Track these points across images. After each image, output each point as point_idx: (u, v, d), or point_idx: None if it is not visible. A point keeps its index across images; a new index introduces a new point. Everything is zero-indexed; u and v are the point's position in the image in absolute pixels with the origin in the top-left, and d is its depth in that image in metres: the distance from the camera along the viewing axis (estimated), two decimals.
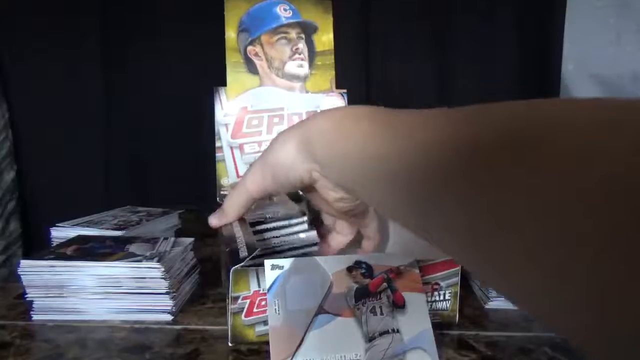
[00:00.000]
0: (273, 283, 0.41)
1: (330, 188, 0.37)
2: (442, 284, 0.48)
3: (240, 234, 0.45)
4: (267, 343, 0.40)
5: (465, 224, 0.20)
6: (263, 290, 0.43)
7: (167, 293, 0.49)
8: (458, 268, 0.48)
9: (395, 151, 0.25)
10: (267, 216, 0.47)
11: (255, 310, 0.43)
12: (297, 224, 0.45)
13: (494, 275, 0.19)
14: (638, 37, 1.07)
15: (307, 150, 0.35)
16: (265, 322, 0.44)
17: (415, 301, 0.43)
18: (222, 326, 0.47)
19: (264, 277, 0.42)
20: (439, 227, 0.22)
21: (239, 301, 0.43)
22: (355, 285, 0.42)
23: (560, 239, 0.15)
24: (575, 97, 1.23)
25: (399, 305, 0.42)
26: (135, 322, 0.49)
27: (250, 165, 0.42)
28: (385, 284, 0.43)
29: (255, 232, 0.46)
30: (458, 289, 0.49)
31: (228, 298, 0.43)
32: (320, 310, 0.41)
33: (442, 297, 0.48)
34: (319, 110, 0.71)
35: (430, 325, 0.42)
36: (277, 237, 0.45)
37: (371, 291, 0.42)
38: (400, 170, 0.25)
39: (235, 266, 0.40)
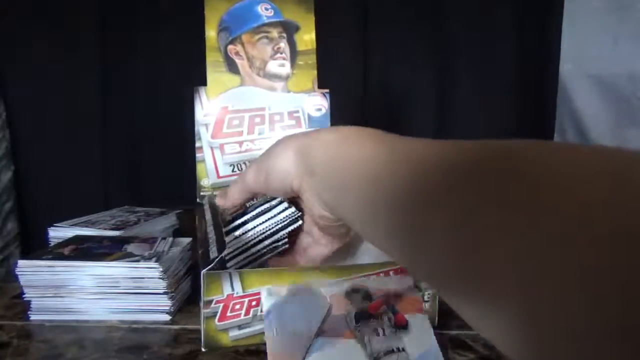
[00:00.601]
0: (270, 308, 0.41)
1: (313, 203, 0.37)
2: (421, 285, 0.48)
3: (212, 235, 0.45)
4: (261, 344, 0.40)
5: (451, 251, 0.19)
6: (237, 294, 0.42)
7: (165, 293, 0.49)
8: None
9: (393, 173, 0.25)
10: (248, 205, 0.47)
11: (228, 314, 0.43)
12: (277, 204, 0.45)
13: (481, 312, 0.19)
14: (635, 38, 1.07)
15: (303, 160, 0.35)
16: (239, 327, 0.43)
17: (418, 321, 0.42)
18: None
19: (238, 280, 0.42)
20: (426, 253, 0.22)
21: (212, 305, 0.42)
22: (354, 309, 0.42)
23: (561, 272, 0.15)
24: (574, 97, 1.23)
25: (401, 325, 0.42)
26: (133, 322, 0.49)
27: (251, 162, 0.43)
28: (385, 306, 0.42)
29: (239, 226, 0.46)
30: None
31: (201, 302, 0.42)
32: (320, 333, 0.40)
33: (422, 299, 0.48)
34: (300, 110, 0.71)
35: (436, 343, 0.41)
36: (262, 223, 0.45)
37: (371, 313, 0.42)
38: (394, 192, 0.24)
39: (206, 269, 0.40)
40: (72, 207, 0.81)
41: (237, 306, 0.43)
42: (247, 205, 0.47)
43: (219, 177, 0.67)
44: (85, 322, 0.48)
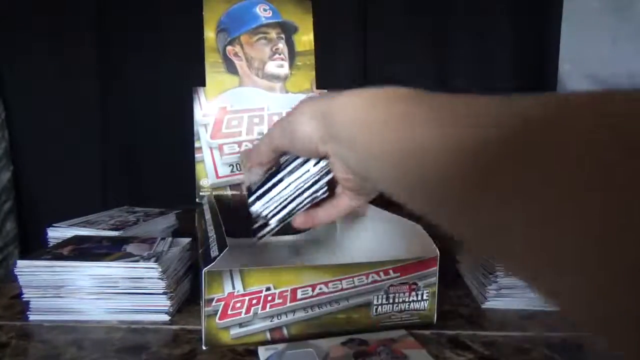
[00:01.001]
0: (267, 358, 0.41)
1: (339, 167, 0.36)
2: (420, 283, 0.48)
3: (213, 234, 0.45)
4: (255, 343, 0.40)
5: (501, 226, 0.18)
6: (237, 292, 0.42)
7: (164, 293, 0.49)
8: (435, 268, 0.48)
9: (437, 141, 0.22)
10: (281, 162, 0.47)
11: (229, 312, 0.43)
12: (308, 159, 0.45)
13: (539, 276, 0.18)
14: (633, 38, 1.07)
15: (326, 125, 0.34)
16: (240, 325, 0.43)
17: (417, 355, 0.43)
18: None
19: (239, 278, 0.42)
20: (477, 224, 0.20)
21: (213, 303, 0.42)
22: (352, 352, 0.43)
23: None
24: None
25: (401, 356, 0.42)
26: (132, 322, 0.49)
27: (276, 121, 0.42)
28: (382, 347, 0.43)
29: (276, 183, 0.45)
30: (436, 288, 0.49)
31: (202, 300, 0.42)
32: None
33: (420, 297, 0.48)
34: None
35: None
36: (298, 177, 0.44)
37: (369, 352, 0.43)
38: (439, 164, 0.22)
39: (207, 267, 0.40)
40: (71, 207, 0.81)
41: (238, 304, 0.43)
42: (280, 162, 0.47)
43: (218, 177, 0.68)
44: (84, 322, 0.48)
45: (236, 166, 0.68)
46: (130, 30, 1.18)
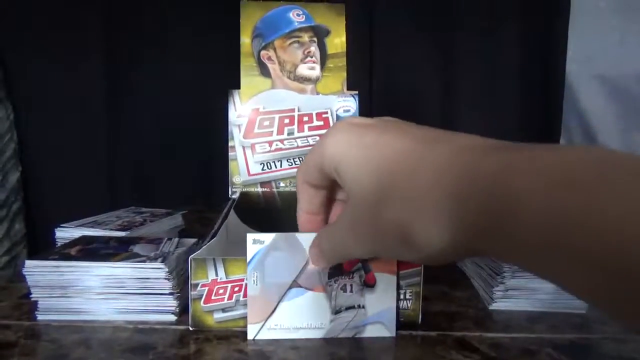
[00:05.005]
0: (254, 256, 0.44)
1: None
2: (402, 283, 0.48)
3: (217, 226, 0.47)
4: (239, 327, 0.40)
5: None
6: (220, 279, 0.46)
7: (170, 294, 0.50)
8: (419, 268, 0.48)
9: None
10: None
11: (213, 297, 0.46)
12: None
13: None
14: None
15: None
16: (223, 310, 0.46)
17: (386, 281, 0.45)
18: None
19: (222, 266, 0.46)
20: None
21: (198, 288, 0.46)
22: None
23: None
24: (580, 98, 1.22)
25: (369, 284, 0.45)
26: (139, 322, 0.49)
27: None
28: (360, 264, 0.45)
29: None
30: (420, 289, 0.48)
31: (189, 285, 0.46)
32: (294, 285, 0.44)
33: (402, 297, 0.48)
34: (329, 112, 0.73)
35: (394, 305, 0.45)
36: None
37: (345, 270, 0.44)
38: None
39: (193, 255, 0.45)
40: (79, 207, 0.81)
41: (221, 290, 0.46)
42: None
43: (249, 175, 0.72)
44: (91, 322, 0.49)
45: (267, 164, 0.72)
46: (135, 32, 1.19)
